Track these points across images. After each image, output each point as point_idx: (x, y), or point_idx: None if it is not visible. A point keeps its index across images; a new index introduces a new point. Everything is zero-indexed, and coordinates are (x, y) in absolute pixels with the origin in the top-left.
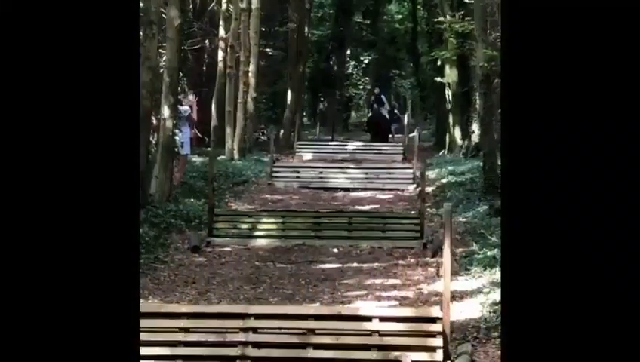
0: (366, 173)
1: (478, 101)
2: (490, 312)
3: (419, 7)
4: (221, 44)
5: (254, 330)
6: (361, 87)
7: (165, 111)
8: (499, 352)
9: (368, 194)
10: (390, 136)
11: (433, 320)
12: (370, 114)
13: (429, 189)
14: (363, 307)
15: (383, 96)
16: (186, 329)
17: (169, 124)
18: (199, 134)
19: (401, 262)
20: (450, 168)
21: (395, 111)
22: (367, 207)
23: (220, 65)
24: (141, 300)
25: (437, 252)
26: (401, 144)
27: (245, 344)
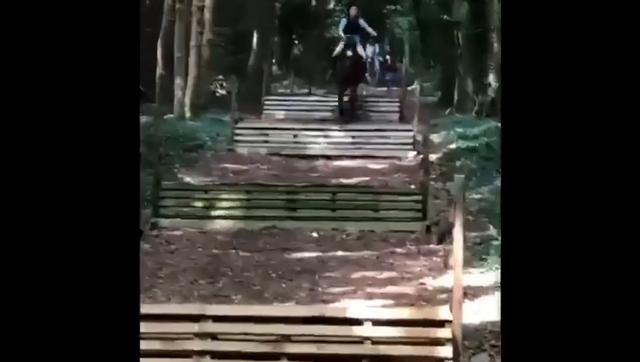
0: (353, 137)
1: (495, 45)
2: None
3: None
4: None
5: (213, 337)
6: None
7: None
8: None
9: (356, 163)
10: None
11: (440, 323)
12: (339, 50)
13: (433, 157)
14: (351, 307)
15: (362, 21)
16: None
17: None
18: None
19: (398, 249)
20: (460, 130)
21: (388, 57)
22: (354, 180)
23: None
24: None
25: (444, 237)
26: (397, 99)
27: (201, 354)
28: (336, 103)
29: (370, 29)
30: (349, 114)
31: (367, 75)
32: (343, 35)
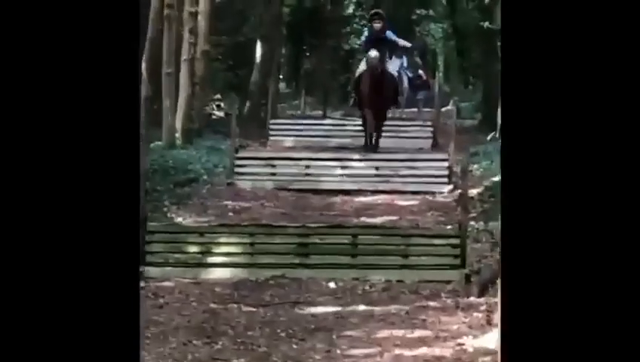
0: (377, 168)
1: None
2: None
3: None
4: None
5: None
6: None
7: None
8: None
9: (381, 199)
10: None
11: None
12: (362, 68)
13: (473, 192)
14: None
15: (390, 34)
16: None
17: None
18: None
19: (432, 303)
20: None
21: (420, 72)
22: (379, 220)
23: (155, 2)
24: None
25: (487, 288)
26: (430, 122)
27: None
28: (356, 127)
29: (402, 41)
30: (377, 147)
31: (399, 97)
32: (365, 49)
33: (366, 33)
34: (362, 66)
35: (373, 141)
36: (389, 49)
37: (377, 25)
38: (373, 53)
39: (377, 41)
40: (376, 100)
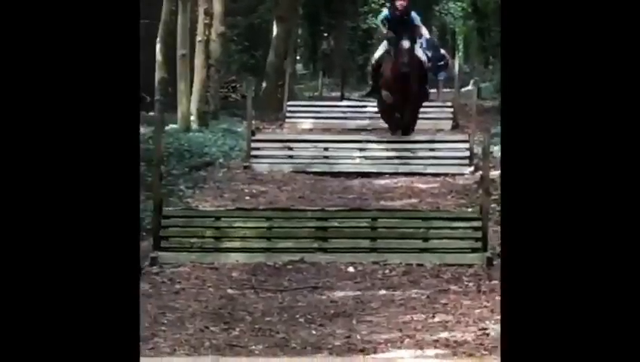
0: (397, 151)
1: None
2: None
3: None
4: None
5: None
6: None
7: None
8: None
9: (401, 181)
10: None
11: None
12: (380, 53)
13: (494, 174)
14: (397, 358)
15: (415, 16)
16: None
17: None
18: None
19: (453, 287)
20: None
21: (442, 51)
22: (398, 203)
23: None
24: None
25: None
26: (449, 103)
27: None
28: (375, 109)
29: (424, 29)
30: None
31: (427, 86)
32: (385, 31)
33: (385, 12)
34: (381, 50)
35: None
36: (408, 31)
37: (401, 2)
38: (406, 43)
39: (399, 22)
40: (404, 93)
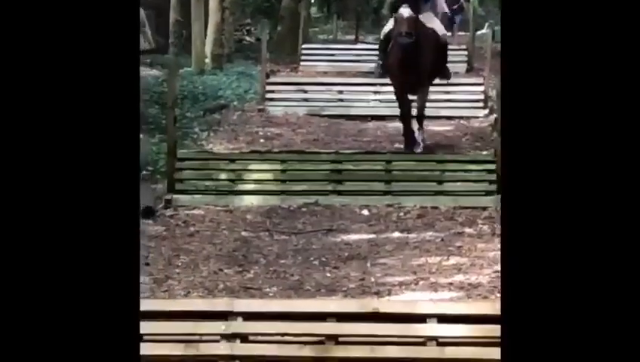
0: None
1: None
2: None
3: None
4: None
5: (243, 338)
6: None
7: None
8: None
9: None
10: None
11: None
12: (390, 27)
13: None
14: (411, 301)
15: None
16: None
17: None
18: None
19: (468, 230)
20: None
21: None
22: None
23: None
24: None
25: None
26: (464, 47)
27: (230, 359)
28: None
29: (443, 2)
30: (416, 140)
31: (448, 66)
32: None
33: None
34: (390, 24)
35: (417, 136)
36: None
37: None
38: (406, 11)
39: None
40: (412, 77)
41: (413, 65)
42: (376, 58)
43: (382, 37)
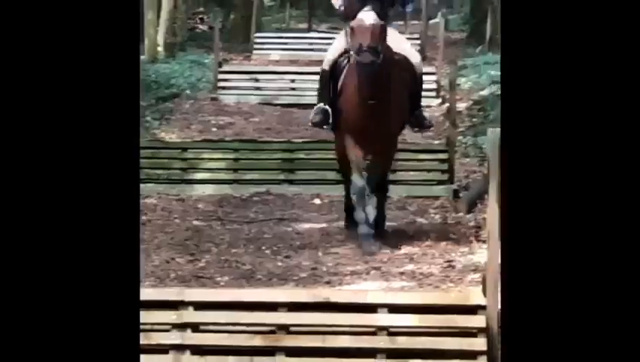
0: None
1: None
2: None
3: None
4: None
5: (194, 327)
6: None
7: None
8: None
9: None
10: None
11: (472, 310)
12: (339, 44)
13: (461, 106)
14: (363, 290)
15: None
16: None
17: None
18: None
19: (419, 219)
20: (494, 73)
21: None
22: None
23: None
24: None
25: (475, 204)
26: (417, 35)
27: (180, 348)
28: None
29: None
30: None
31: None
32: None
33: None
34: (338, 44)
35: (371, 218)
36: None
37: None
38: (369, 16)
39: None
40: (377, 119)
41: (380, 99)
42: (329, 46)
43: (326, 66)
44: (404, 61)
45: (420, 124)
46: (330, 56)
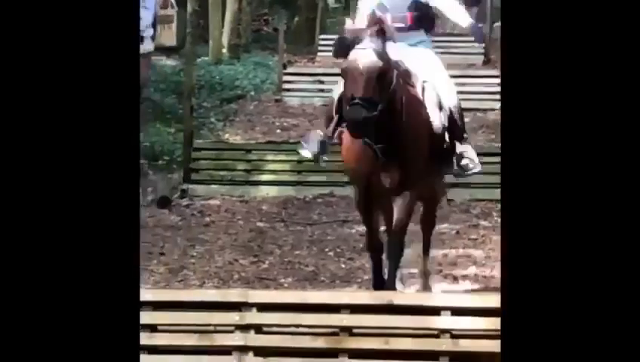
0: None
1: None
2: None
3: None
4: None
5: (257, 329)
6: None
7: None
8: None
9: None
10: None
11: None
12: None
13: None
14: (426, 293)
15: None
16: (152, 327)
17: None
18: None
19: (483, 222)
20: None
21: None
22: None
23: None
24: None
25: None
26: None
27: (243, 349)
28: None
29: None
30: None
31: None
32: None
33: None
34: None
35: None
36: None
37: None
38: (365, 56)
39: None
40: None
41: (385, 151)
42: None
43: (335, 99)
44: (424, 116)
45: (457, 172)
46: (335, 95)
